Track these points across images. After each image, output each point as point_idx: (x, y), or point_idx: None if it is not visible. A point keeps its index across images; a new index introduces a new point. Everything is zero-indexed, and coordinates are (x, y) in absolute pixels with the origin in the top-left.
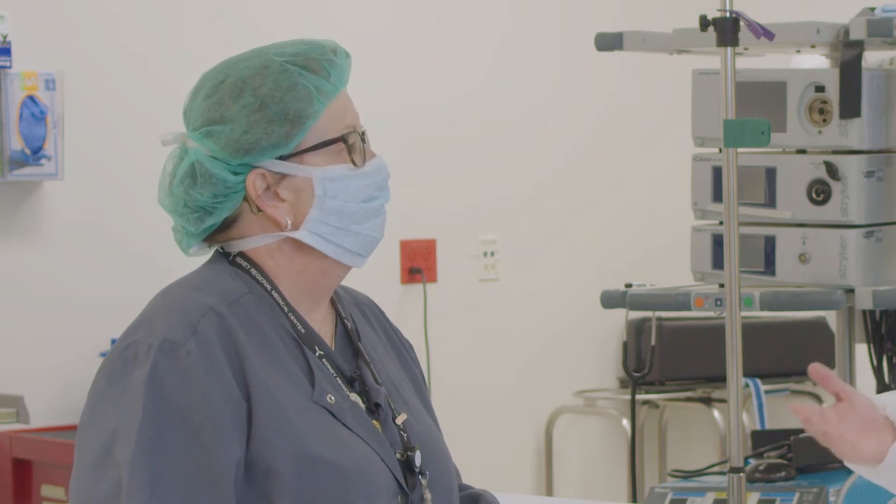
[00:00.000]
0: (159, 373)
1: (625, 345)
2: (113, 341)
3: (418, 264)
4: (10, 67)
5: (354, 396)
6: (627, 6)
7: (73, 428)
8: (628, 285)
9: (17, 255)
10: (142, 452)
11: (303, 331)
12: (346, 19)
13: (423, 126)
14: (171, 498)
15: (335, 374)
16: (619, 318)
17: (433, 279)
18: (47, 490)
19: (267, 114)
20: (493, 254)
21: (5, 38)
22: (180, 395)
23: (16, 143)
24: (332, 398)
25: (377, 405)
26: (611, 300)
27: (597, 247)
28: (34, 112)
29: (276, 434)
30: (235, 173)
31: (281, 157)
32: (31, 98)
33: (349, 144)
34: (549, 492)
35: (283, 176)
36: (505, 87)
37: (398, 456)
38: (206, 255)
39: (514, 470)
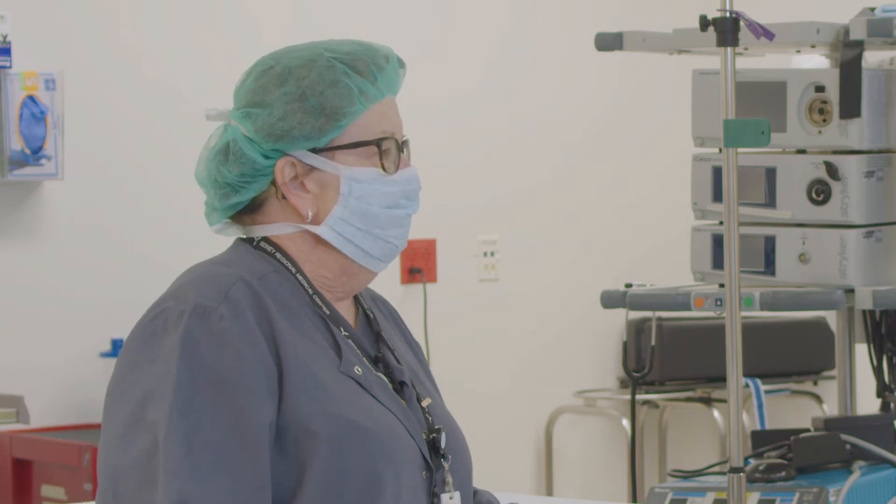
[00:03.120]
0: (193, 336)
1: (625, 345)
2: (113, 341)
3: (418, 264)
4: (10, 67)
5: (380, 375)
6: (627, 6)
7: (73, 428)
8: (628, 285)
9: (17, 255)
10: (177, 413)
11: (328, 312)
12: (347, 19)
13: (423, 126)
14: (206, 456)
15: (360, 354)
16: (619, 318)
17: (433, 279)
18: (47, 490)
19: (305, 105)
20: (493, 254)
21: (5, 38)
22: (214, 357)
23: (16, 143)
24: (360, 370)
25: (402, 384)
26: (611, 300)
27: (597, 246)
28: (34, 112)
29: (308, 398)
30: (266, 157)
31: (314, 150)
32: (31, 98)
33: (382, 150)
34: (549, 492)
35: (312, 168)
36: (505, 87)
37: (424, 436)
38: (230, 239)
39: (514, 470)
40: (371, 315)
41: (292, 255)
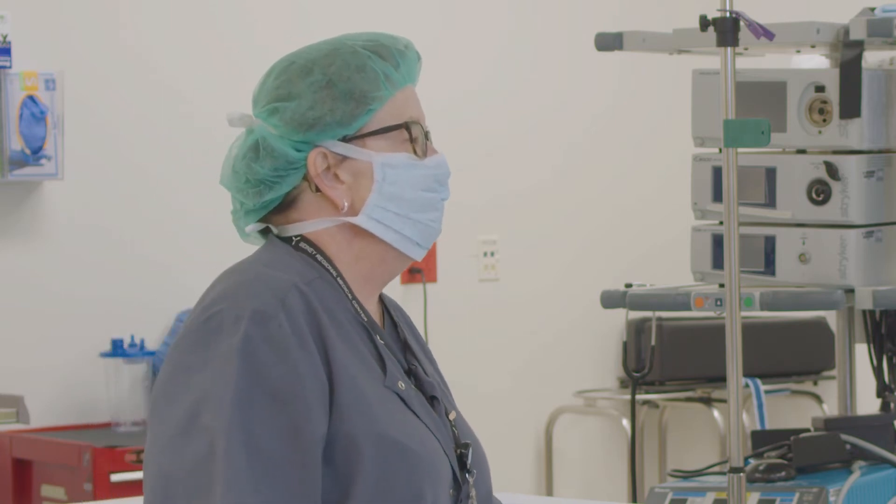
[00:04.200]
0: (252, 342)
1: (625, 345)
2: (113, 341)
3: (418, 264)
4: (10, 67)
5: (414, 388)
6: (627, 6)
7: (73, 428)
8: (628, 285)
9: (17, 255)
10: (236, 421)
11: (366, 319)
12: (347, 19)
13: None
14: (264, 468)
15: (397, 364)
16: (619, 318)
17: (433, 279)
18: (47, 490)
19: (333, 91)
20: (493, 254)
21: (5, 38)
22: (272, 366)
23: (16, 143)
24: (402, 385)
25: (433, 398)
26: (611, 300)
27: (597, 247)
28: (34, 112)
29: (357, 414)
30: (297, 150)
31: (343, 139)
32: (31, 98)
33: (412, 135)
34: (549, 492)
35: (344, 158)
36: (505, 87)
37: (453, 451)
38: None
39: (514, 470)
40: (397, 322)
41: (332, 254)
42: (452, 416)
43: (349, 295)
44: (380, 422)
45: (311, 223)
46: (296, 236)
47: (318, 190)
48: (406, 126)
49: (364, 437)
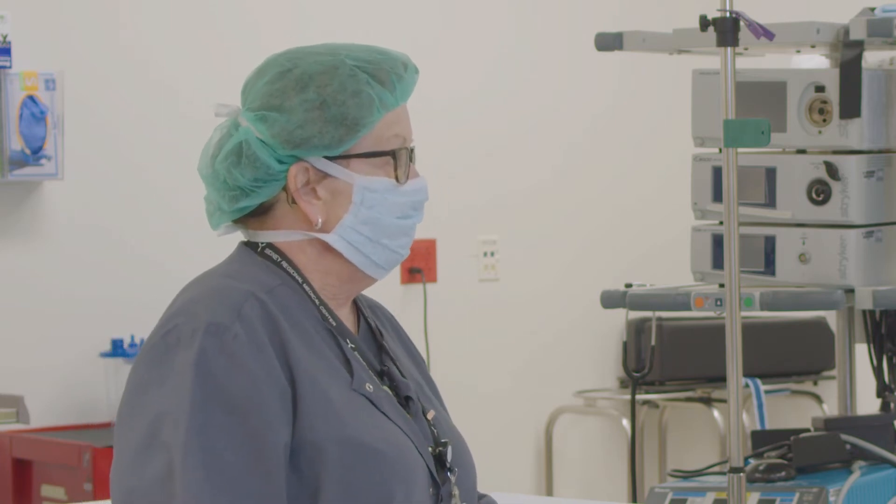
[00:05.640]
0: (207, 356)
1: (625, 345)
2: (113, 341)
3: (418, 264)
4: (10, 67)
5: (386, 389)
6: (627, 6)
7: (73, 428)
8: (628, 285)
9: (17, 255)
10: (193, 436)
11: (334, 324)
12: (347, 19)
13: (423, 126)
14: (224, 481)
15: (367, 367)
16: (619, 318)
17: (433, 279)
18: (47, 490)
19: (326, 113)
20: (493, 254)
21: (5, 38)
22: (229, 378)
23: (16, 143)
24: (371, 387)
25: (408, 398)
26: (611, 300)
27: (597, 247)
28: (34, 112)
29: (321, 419)
30: (280, 162)
31: (327, 157)
32: (31, 98)
33: (397, 160)
34: (549, 492)
35: (325, 175)
36: (505, 87)
37: (430, 450)
38: (229, 238)
39: (514, 470)
40: (373, 325)
41: (299, 263)
42: (431, 415)
43: (316, 300)
44: (345, 425)
45: (283, 233)
46: (262, 243)
47: (294, 202)
48: (392, 153)
49: (329, 442)
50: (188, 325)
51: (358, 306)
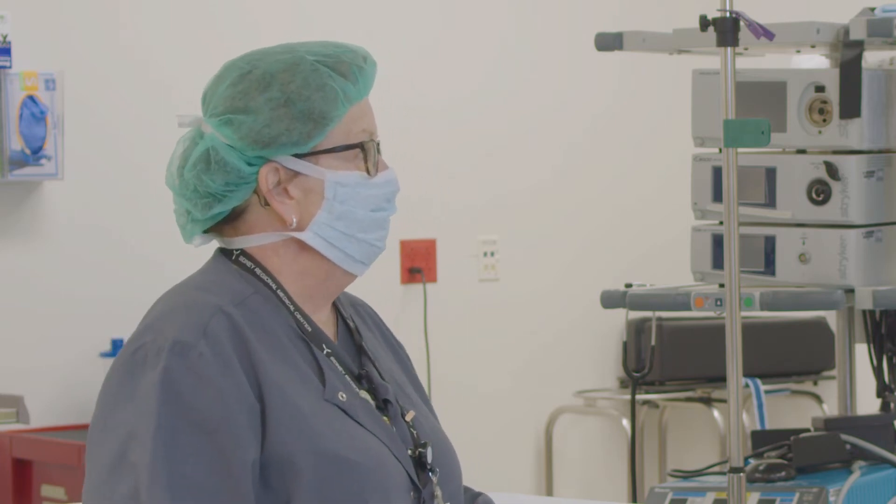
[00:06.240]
0: (172, 375)
1: (625, 345)
2: (113, 341)
3: (418, 264)
4: (10, 67)
5: (364, 393)
6: (627, 6)
7: (73, 428)
8: (628, 285)
9: (17, 255)
10: (159, 457)
11: (309, 329)
12: (347, 19)
13: (423, 126)
14: (192, 499)
15: (343, 372)
16: (619, 318)
17: (433, 279)
18: (47, 490)
19: (292, 110)
20: (493, 254)
21: (5, 38)
22: (194, 397)
23: (16, 143)
24: (344, 396)
25: (386, 402)
26: (611, 300)
27: (597, 247)
28: (34, 112)
29: (292, 433)
30: (250, 164)
31: (296, 155)
32: (31, 98)
33: (366, 152)
34: (549, 492)
35: (296, 174)
36: (505, 87)
37: (410, 452)
38: (207, 246)
39: (514, 470)
40: (352, 325)
41: (273, 267)
42: (410, 416)
43: (290, 307)
44: (318, 437)
45: (257, 237)
46: (236, 250)
47: (267, 204)
48: (361, 145)
49: (301, 455)
50: (154, 344)
51: (338, 308)
